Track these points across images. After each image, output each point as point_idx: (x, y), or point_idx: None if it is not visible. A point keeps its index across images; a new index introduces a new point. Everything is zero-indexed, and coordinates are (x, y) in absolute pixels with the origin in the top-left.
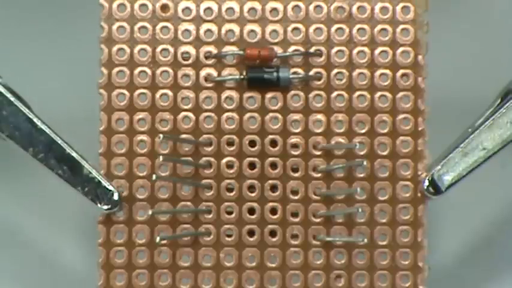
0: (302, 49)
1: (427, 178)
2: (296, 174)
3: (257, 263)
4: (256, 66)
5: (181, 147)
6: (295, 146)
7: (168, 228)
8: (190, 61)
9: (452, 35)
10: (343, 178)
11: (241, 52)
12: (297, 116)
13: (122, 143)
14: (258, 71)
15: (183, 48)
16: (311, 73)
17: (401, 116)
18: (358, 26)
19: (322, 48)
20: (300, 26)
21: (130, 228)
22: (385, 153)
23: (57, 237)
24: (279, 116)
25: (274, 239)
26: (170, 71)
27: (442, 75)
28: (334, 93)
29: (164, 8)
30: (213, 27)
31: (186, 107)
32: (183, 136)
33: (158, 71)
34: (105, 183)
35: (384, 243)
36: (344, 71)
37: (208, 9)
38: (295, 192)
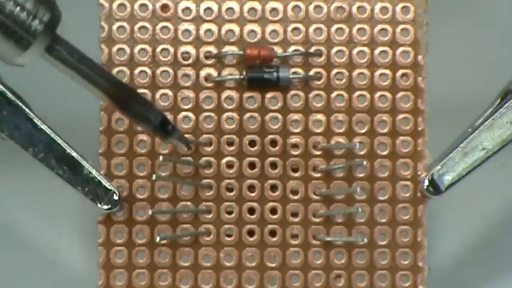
0: (302, 49)
1: (427, 178)
2: (296, 174)
3: (257, 263)
4: (256, 66)
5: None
6: (295, 146)
7: (168, 228)
8: (190, 61)
9: (452, 35)
10: (343, 178)
11: (241, 52)
12: (297, 116)
13: (122, 143)
14: (258, 71)
15: (183, 48)
16: (311, 73)
17: (401, 116)
18: (358, 26)
19: (322, 48)
20: (300, 26)
21: (130, 228)
22: (385, 153)
23: (57, 237)
24: (279, 116)
25: (274, 239)
26: (170, 71)
27: (442, 75)
28: (334, 93)
29: (164, 8)
30: (213, 27)
31: (186, 107)
32: (185, 135)
33: (158, 71)
34: (105, 183)
35: (384, 243)
36: (344, 71)
37: (208, 9)
38: (295, 192)
